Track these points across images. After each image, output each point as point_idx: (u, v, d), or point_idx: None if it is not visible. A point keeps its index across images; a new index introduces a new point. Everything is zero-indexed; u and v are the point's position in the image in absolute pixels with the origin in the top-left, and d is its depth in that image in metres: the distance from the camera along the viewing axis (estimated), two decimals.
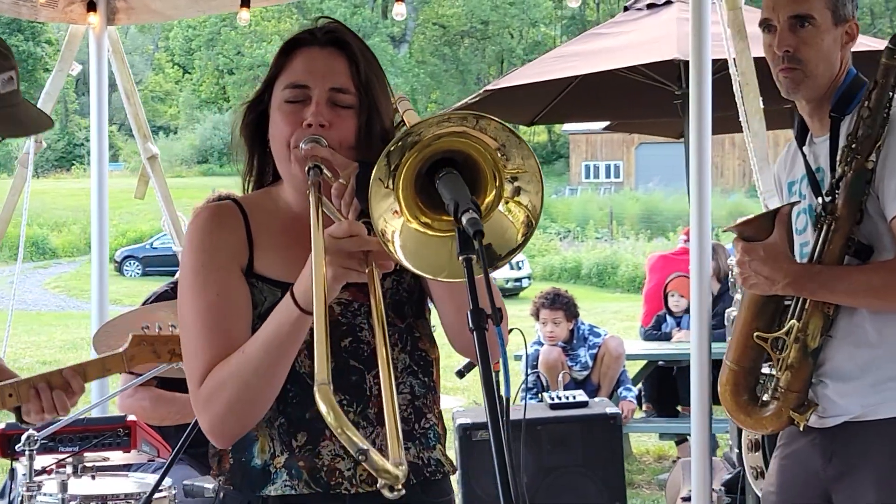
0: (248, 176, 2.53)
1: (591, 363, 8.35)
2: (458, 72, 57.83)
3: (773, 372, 3.30)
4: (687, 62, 7.48)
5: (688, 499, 5.91)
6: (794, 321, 3.19)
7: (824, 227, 3.14)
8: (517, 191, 2.02)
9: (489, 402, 1.84)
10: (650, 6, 8.48)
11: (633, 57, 7.83)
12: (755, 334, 3.27)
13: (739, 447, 4.96)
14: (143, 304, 4.71)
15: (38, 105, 6.11)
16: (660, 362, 9.13)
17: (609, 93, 8.80)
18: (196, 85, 57.24)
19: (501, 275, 23.85)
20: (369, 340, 2.36)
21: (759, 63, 5.41)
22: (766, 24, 3.27)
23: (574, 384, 8.12)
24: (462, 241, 1.92)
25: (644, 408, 9.39)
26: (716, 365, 5.31)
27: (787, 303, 3.27)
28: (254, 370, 2.22)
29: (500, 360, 1.97)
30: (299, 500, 2.32)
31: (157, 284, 5.50)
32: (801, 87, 3.22)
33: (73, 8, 5.91)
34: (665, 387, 9.21)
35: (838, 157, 3.14)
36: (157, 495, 3.89)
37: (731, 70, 5.32)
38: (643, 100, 8.87)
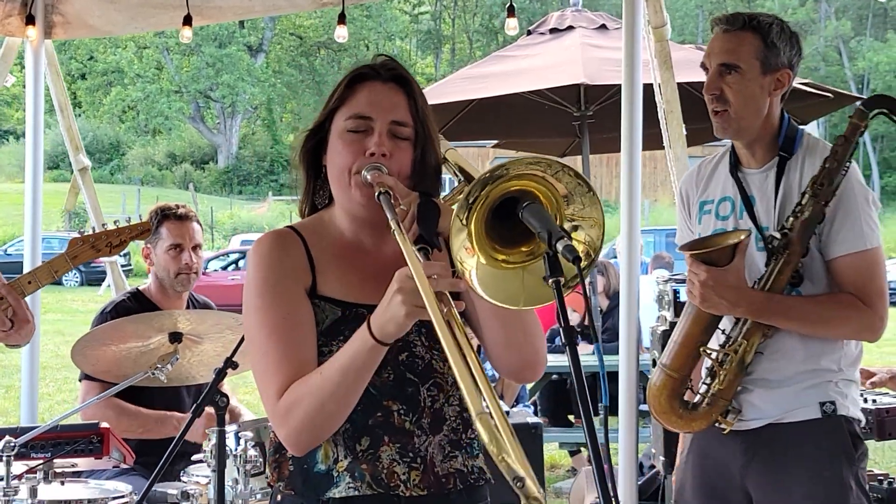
0: (306, 201, 2.69)
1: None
2: (315, 83, 57.60)
3: (706, 380, 3.64)
4: (589, 86, 7.84)
5: None
6: (742, 340, 3.53)
7: (781, 259, 3.47)
8: (574, 228, 2.23)
9: (586, 418, 2.05)
10: (553, 31, 8.79)
11: (539, 81, 8.09)
12: (703, 348, 3.60)
13: (664, 454, 5.25)
14: (102, 313, 4.81)
15: None
16: (554, 375, 9.40)
17: (506, 113, 9.05)
18: (46, 89, 55.77)
19: None
20: (423, 355, 2.55)
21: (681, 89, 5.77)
22: (704, 68, 3.63)
23: None
24: (551, 265, 2.14)
25: (540, 420, 9.64)
26: (611, 377, 5.57)
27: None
28: (330, 393, 2.37)
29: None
30: (362, 501, 2.48)
31: None
32: (728, 127, 3.58)
33: (11, 21, 5.95)
34: (559, 398, 9.49)
35: (800, 199, 3.47)
36: (117, 503, 4.01)
37: (657, 97, 5.61)
38: (538, 120, 9.15)
